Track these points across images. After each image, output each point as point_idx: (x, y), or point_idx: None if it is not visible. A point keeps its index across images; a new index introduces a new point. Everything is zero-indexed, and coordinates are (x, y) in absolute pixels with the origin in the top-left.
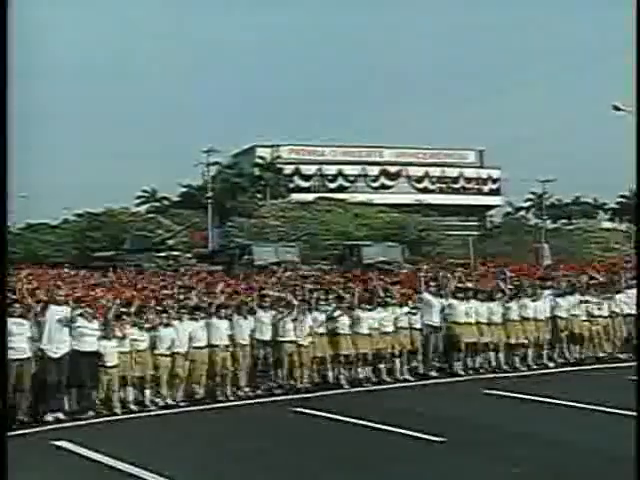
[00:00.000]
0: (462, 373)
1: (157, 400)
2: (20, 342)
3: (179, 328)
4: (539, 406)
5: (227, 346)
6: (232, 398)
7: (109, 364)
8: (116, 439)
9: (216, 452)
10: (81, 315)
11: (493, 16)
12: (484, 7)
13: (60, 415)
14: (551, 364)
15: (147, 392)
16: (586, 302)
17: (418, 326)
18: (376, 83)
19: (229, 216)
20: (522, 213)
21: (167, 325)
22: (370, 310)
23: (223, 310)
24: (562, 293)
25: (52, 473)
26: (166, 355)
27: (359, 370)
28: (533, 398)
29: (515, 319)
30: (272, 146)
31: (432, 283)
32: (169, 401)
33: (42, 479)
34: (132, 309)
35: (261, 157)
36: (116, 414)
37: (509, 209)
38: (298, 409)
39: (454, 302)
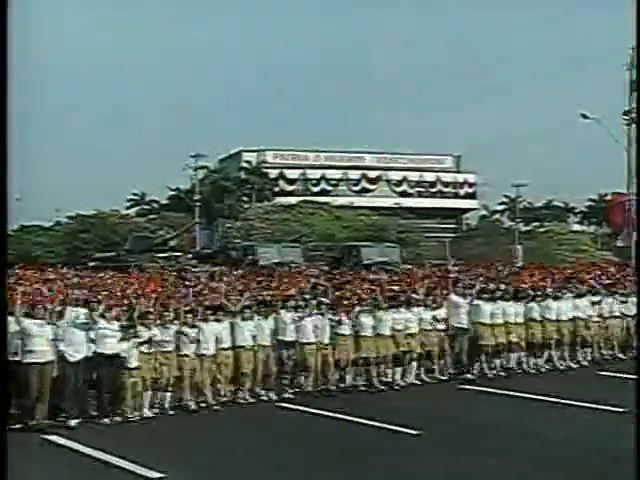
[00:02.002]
0: (488, 374)
1: (181, 402)
2: (41, 345)
3: (204, 329)
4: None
5: (252, 347)
6: (253, 400)
7: (132, 366)
8: (109, 435)
9: (202, 451)
10: (102, 316)
11: (474, 21)
12: (466, 11)
13: (80, 420)
14: (573, 364)
15: (168, 395)
16: (599, 303)
17: (442, 327)
18: (360, 89)
19: (216, 218)
20: (497, 216)
21: (193, 326)
22: (395, 311)
23: (247, 310)
24: (580, 294)
25: (34, 461)
26: (191, 357)
27: (380, 372)
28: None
29: (537, 319)
30: (258, 151)
31: (460, 284)
32: (193, 404)
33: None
34: (156, 309)
35: (247, 161)
36: (135, 418)
37: (484, 212)
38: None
39: (480, 303)
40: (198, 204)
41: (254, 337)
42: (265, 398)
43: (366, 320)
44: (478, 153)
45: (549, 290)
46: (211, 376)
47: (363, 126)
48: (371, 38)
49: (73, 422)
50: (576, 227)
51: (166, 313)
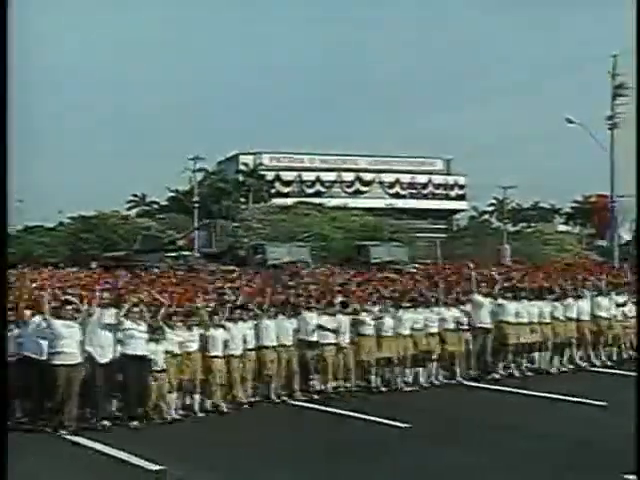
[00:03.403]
0: (514, 374)
1: (208, 404)
2: (70, 346)
3: (232, 329)
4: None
5: (275, 347)
6: (276, 401)
7: (159, 368)
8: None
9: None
10: (128, 317)
11: (465, 24)
12: (459, 14)
13: (107, 423)
14: (596, 363)
15: (196, 396)
16: (623, 303)
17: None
18: (360, 89)
19: (214, 219)
20: (486, 217)
21: (219, 326)
22: (413, 310)
23: (271, 310)
24: (602, 293)
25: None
26: (219, 357)
27: (401, 372)
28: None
29: (561, 319)
30: (254, 154)
31: (483, 284)
32: (221, 405)
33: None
34: (182, 310)
35: (244, 164)
36: (161, 420)
37: (474, 213)
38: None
39: (504, 302)
40: (197, 205)
41: (277, 337)
42: (286, 398)
43: (387, 320)
44: (471, 154)
45: (569, 289)
46: (238, 376)
47: (363, 126)
48: (371, 38)
49: (100, 424)
50: (562, 227)
51: (193, 315)
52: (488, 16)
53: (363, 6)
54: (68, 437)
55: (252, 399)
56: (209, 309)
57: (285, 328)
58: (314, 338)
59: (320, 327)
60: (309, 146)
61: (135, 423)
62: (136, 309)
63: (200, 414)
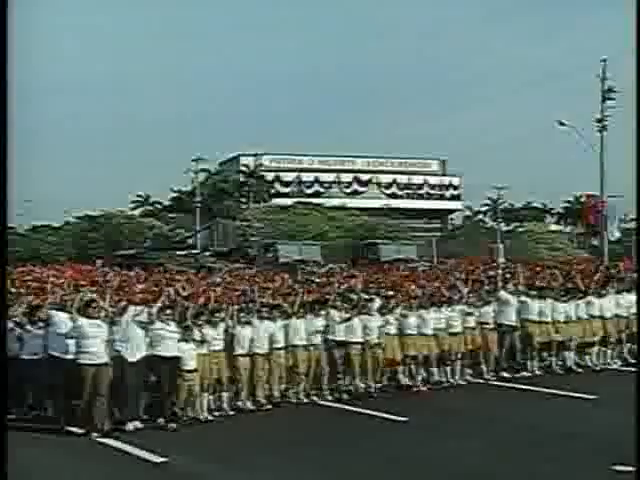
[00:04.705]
0: (537, 372)
1: (235, 403)
2: (96, 346)
3: (259, 328)
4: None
5: (305, 347)
6: (306, 400)
7: (189, 368)
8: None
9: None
10: (159, 316)
11: (465, 25)
12: (459, 16)
13: (138, 424)
14: (615, 363)
15: (224, 395)
16: None
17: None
18: (354, 93)
19: (221, 219)
20: (480, 216)
21: (246, 324)
22: (436, 309)
23: (301, 309)
24: (621, 290)
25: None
26: (245, 356)
27: (429, 371)
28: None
29: (584, 317)
30: (255, 155)
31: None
32: (248, 405)
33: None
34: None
35: (245, 165)
36: (191, 422)
37: (468, 213)
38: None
39: (528, 300)
40: (199, 205)
41: (307, 336)
42: (315, 398)
43: (411, 319)
44: (470, 154)
45: (592, 288)
46: (264, 375)
47: (362, 127)
48: (371, 38)
49: (131, 426)
50: (553, 227)
51: (217, 313)
52: (488, 17)
53: (363, 6)
54: (96, 439)
55: (279, 399)
56: (236, 307)
57: (314, 327)
58: (341, 337)
59: (347, 326)
60: (308, 147)
61: (167, 424)
62: (169, 310)
63: (231, 412)
